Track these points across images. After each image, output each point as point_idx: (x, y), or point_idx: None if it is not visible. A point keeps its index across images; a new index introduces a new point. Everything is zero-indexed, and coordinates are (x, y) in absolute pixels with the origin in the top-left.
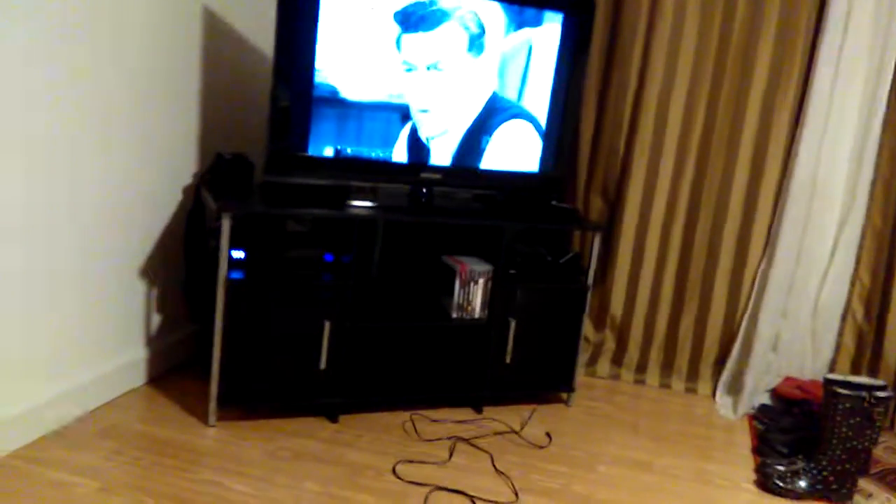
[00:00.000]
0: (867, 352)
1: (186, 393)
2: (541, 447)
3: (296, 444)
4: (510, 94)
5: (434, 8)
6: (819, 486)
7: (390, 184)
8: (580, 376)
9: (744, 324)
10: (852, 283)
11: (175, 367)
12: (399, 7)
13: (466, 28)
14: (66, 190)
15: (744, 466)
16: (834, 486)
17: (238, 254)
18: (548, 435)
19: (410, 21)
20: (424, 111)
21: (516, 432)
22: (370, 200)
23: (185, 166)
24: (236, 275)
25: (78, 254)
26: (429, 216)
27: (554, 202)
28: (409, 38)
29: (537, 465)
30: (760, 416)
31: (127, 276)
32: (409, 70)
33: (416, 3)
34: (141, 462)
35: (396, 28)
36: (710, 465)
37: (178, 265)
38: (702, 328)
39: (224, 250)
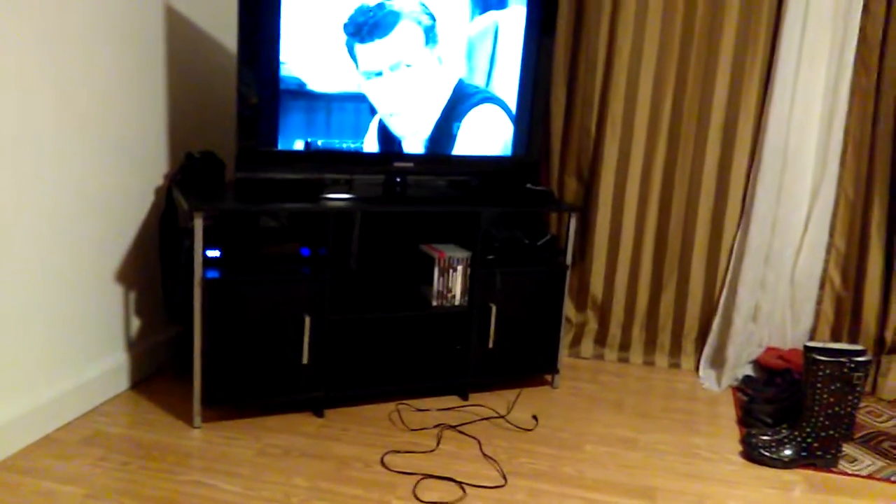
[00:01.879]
0: (846, 318)
1: (170, 395)
2: (528, 430)
3: (282, 440)
4: (478, 78)
5: (385, 12)
6: (804, 454)
7: (363, 175)
8: (564, 358)
9: (723, 296)
10: (828, 251)
11: (157, 370)
12: (347, 17)
13: (419, 23)
14: (35, 196)
15: (729, 438)
16: (819, 453)
17: (213, 253)
18: (534, 417)
19: (363, 32)
20: (392, 114)
21: (503, 417)
22: (344, 192)
23: (155, 168)
24: (212, 274)
25: (53, 261)
26: (404, 205)
27: (528, 185)
28: (366, 48)
29: (525, 448)
30: (744, 387)
31: (104, 281)
32: (370, 77)
33: (363, 10)
34: (128, 467)
35: (349, 39)
36: (695, 439)
37: (155, 268)
38: (682, 303)
39: (198, 250)
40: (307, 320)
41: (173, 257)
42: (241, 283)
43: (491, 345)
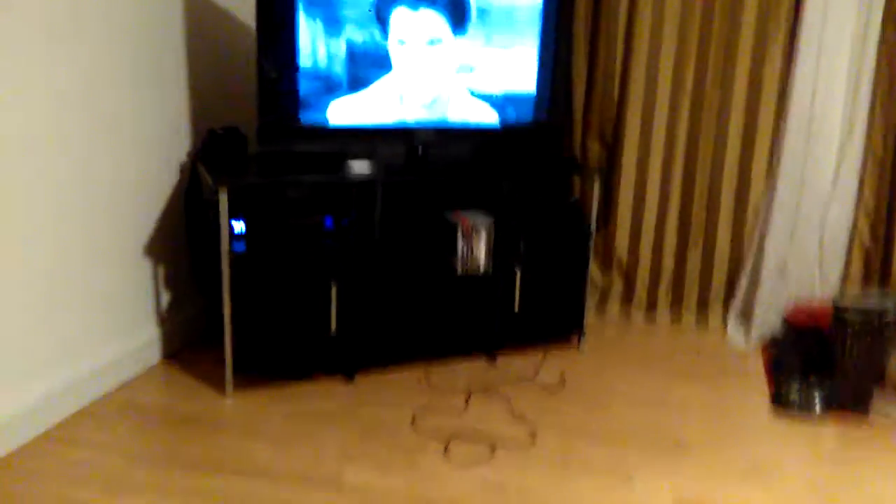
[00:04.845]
0: (875, 273)
1: (201, 366)
2: (555, 391)
3: (313, 405)
4: (499, 46)
5: None
6: (835, 406)
7: (386, 144)
8: (590, 319)
9: (750, 254)
10: (857, 207)
11: (189, 342)
12: None
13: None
14: (65, 177)
15: (759, 392)
16: (850, 405)
17: (239, 226)
18: (562, 378)
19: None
20: (416, 81)
21: (530, 379)
22: (366, 162)
23: (179, 145)
24: (238, 247)
25: (85, 240)
26: (426, 175)
27: (552, 151)
28: (400, 13)
29: (553, 408)
30: (772, 343)
31: (134, 258)
32: (400, 43)
33: None
34: (163, 436)
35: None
36: (725, 394)
37: (183, 243)
38: (709, 261)
39: (224, 224)
40: (334, 289)
41: (199, 231)
42: (267, 255)
43: (517, 309)
